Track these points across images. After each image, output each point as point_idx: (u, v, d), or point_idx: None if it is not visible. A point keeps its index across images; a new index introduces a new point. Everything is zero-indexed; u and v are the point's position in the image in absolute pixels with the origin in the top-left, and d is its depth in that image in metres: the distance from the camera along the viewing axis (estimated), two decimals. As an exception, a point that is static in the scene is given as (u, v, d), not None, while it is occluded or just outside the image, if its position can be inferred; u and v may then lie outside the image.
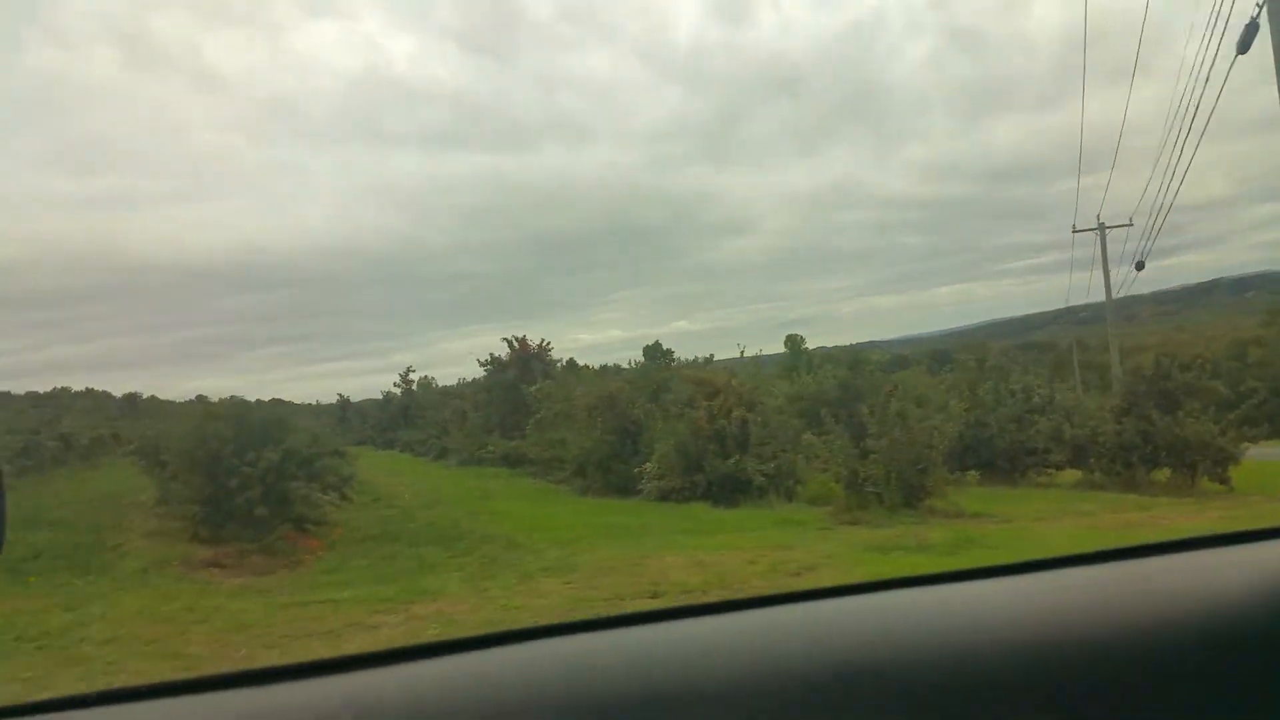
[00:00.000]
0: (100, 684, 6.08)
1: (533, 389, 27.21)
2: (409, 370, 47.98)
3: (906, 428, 13.53)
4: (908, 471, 13.52)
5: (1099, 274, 32.35)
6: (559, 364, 31.72)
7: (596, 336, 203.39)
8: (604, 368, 32.09)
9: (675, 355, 34.47)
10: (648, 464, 19.56)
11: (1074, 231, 33.17)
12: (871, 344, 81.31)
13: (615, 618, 1.30)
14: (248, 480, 12.30)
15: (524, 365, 31.03)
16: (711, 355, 34.54)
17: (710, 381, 18.68)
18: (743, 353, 33.18)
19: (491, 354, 33.37)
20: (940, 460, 13.74)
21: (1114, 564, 1.40)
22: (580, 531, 13.72)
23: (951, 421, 14.23)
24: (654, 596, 8.16)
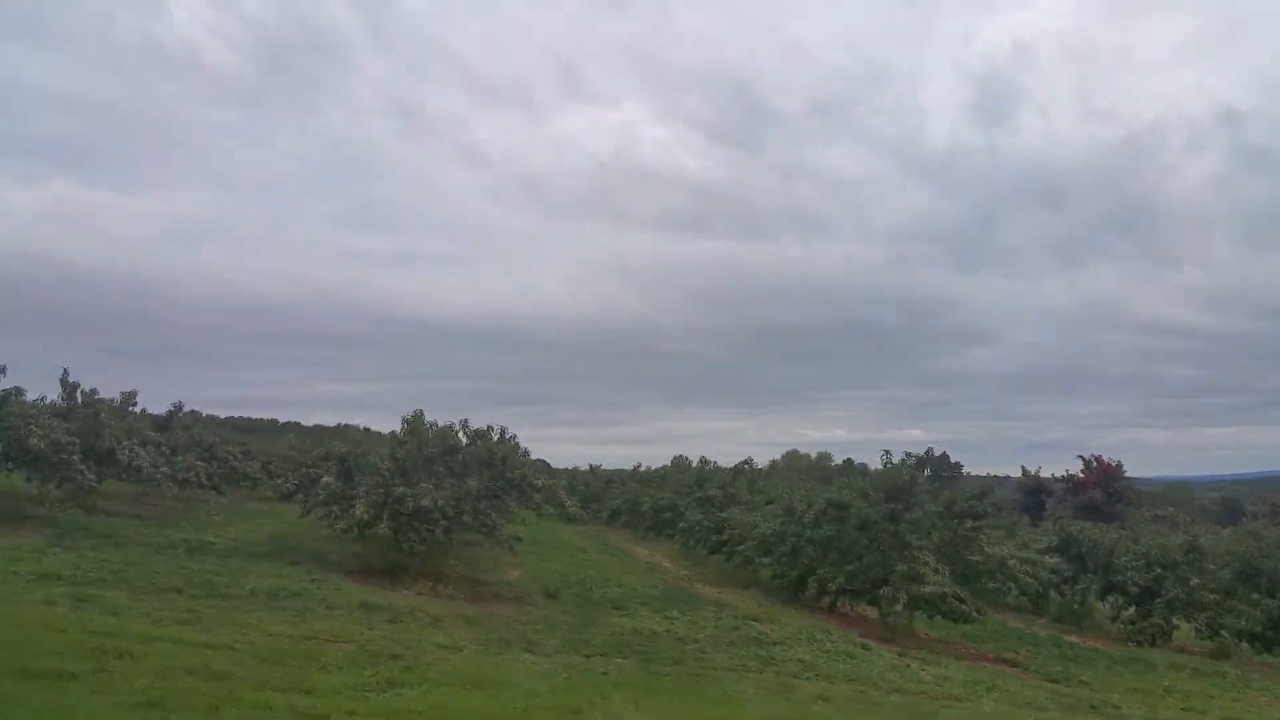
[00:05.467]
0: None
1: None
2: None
3: None
4: None
5: None
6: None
7: (822, 434, 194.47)
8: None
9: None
10: None
11: None
12: (1137, 480, 72.99)
13: None
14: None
15: (1106, 488, 31.40)
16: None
17: None
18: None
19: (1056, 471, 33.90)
20: None
21: None
22: None
23: None
24: None
